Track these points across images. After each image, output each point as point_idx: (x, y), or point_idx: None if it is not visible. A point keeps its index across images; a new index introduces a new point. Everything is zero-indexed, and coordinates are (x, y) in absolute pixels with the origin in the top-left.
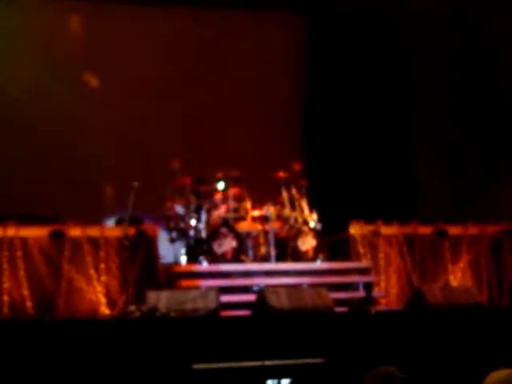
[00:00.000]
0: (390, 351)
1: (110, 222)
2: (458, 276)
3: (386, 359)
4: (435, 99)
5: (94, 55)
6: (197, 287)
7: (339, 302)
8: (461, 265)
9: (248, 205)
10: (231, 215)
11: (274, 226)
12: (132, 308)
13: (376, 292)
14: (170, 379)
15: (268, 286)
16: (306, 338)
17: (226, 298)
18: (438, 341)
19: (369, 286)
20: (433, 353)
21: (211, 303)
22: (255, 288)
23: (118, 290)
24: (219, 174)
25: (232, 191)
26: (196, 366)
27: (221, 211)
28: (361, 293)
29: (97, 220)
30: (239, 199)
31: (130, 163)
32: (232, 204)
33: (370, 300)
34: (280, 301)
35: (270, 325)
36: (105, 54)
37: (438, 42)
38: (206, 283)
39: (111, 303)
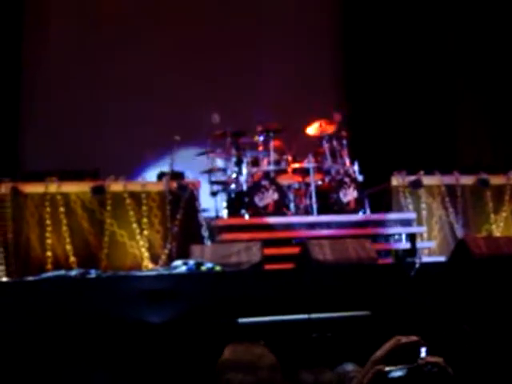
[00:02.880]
0: (436, 303)
1: (152, 177)
2: (500, 226)
3: (431, 312)
4: (478, 53)
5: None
6: (239, 241)
7: (383, 254)
8: (503, 214)
9: (289, 157)
10: (272, 168)
11: (315, 178)
12: (178, 262)
13: (421, 243)
14: (216, 334)
15: (311, 239)
16: (350, 290)
17: (268, 251)
18: (483, 291)
19: (412, 237)
20: (480, 303)
21: (255, 256)
22: (298, 240)
23: (161, 244)
24: (259, 127)
25: (273, 143)
26: (241, 320)
27: (262, 164)
28: (404, 244)
29: (138, 174)
30: (280, 152)
31: (170, 117)
32: (273, 156)
33: (414, 251)
34: (323, 253)
35: (313, 277)
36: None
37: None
38: (247, 236)
39: (154, 257)
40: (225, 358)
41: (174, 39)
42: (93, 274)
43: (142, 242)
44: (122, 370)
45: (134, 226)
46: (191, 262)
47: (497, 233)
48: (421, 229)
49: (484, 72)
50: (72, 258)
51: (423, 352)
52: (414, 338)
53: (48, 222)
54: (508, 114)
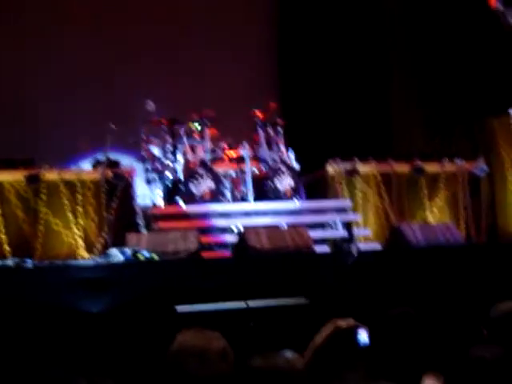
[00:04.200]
0: (372, 290)
1: (86, 165)
2: (435, 213)
3: (368, 298)
4: (412, 38)
5: None
6: (176, 229)
7: (319, 241)
8: (438, 202)
9: (225, 145)
10: (208, 156)
11: (251, 166)
12: (114, 251)
13: (356, 230)
14: (154, 322)
15: (248, 227)
16: (288, 278)
17: (205, 239)
18: (418, 278)
19: (348, 225)
20: (415, 290)
21: (192, 244)
22: (234, 229)
23: (96, 233)
24: (194, 114)
25: (208, 131)
26: (180, 309)
27: (197, 152)
28: (340, 232)
29: (73, 163)
30: (215, 139)
31: (105, 105)
32: (208, 145)
33: (351, 239)
34: (260, 241)
35: (251, 265)
36: None
37: None
38: (184, 225)
39: (89, 246)
40: (177, 344)
41: (109, 29)
42: (29, 263)
43: (77, 231)
44: (59, 360)
45: (69, 214)
46: (128, 251)
47: (432, 220)
48: (356, 216)
49: (418, 60)
50: (6, 247)
51: (364, 335)
52: (352, 321)
53: None
54: (442, 102)
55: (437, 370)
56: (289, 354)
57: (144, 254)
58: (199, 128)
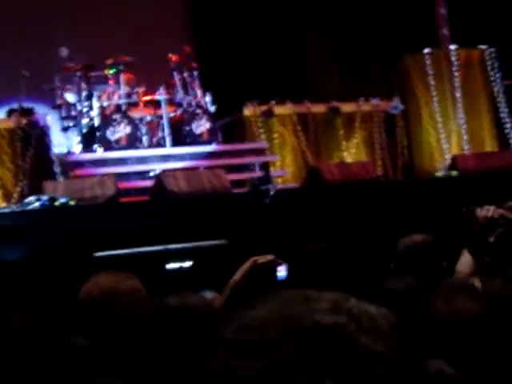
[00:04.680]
0: (290, 228)
1: (1, 113)
2: (352, 152)
3: (287, 236)
4: None
5: None
6: (93, 176)
7: (237, 183)
8: (354, 141)
9: (140, 90)
10: (124, 101)
11: (167, 110)
12: (31, 199)
13: (275, 171)
14: (72, 268)
15: (165, 171)
16: (206, 220)
17: (123, 185)
18: (336, 216)
19: (265, 166)
20: (333, 227)
21: (109, 190)
22: (152, 173)
23: (13, 182)
24: (109, 60)
25: (123, 77)
26: (97, 254)
27: (113, 98)
28: (257, 173)
29: None
30: (131, 84)
31: (18, 53)
32: (124, 90)
33: (268, 179)
34: (178, 184)
35: (169, 209)
36: None
37: None
38: (101, 171)
39: (6, 196)
40: (88, 284)
41: None
42: None
43: None
44: None
45: None
46: (44, 198)
47: (348, 159)
48: (273, 157)
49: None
50: None
51: (282, 270)
52: (270, 257)
53: None
54: (356, 42)
55: None
56: (208, 293)
57: (61, 201)
58: (114, 73)
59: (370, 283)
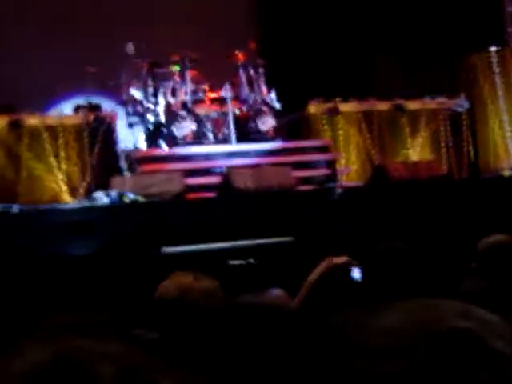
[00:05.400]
0: (357, 226)
1: (67, 109)
2: (417, 150)
3: (355, 234)
4: None
5: None
6: (158, 171)
7: (302, 180)
8: (419, 139)
9: (206, 87)
10: (189, 98)
11: (232, 107)
12: (99, 194)
13: (339, 168)
14: (141, 263)
15: (232, 168)
16: (273, 217)
17: (189, 181)
18: (403, 213)
19: (331, 164)
20: (401, 225)
21: (176, 186)
22: (218, 170)
23: (79, 178)
24: (175, 57)
25: (189, 73)
26: (165, 250)
27: (179, 94)
28: (322, 170)
29: (53, 108)
30: (197, 81)
31: (84, 49)
32: (190, 86)
33: (333, 177)
34: (244, 181)
35: (236, 206)
36: None
37: None
38: (167, 167)
39: (72, 191)
40: (165, 283)
41: None
42: (15, 208)
43: (60, 176)
44: (48, 304)
45: (52, 159)
46: (113, 194)
47: (414, 157)
48: (338, 155)
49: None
50: None
51: (356, 272)
52: (345, 258)
53: None
54: (422, 40)
55: None
56: (277, 291)
57: (129, 197)
58: (180, 70)
59: (448, 283)
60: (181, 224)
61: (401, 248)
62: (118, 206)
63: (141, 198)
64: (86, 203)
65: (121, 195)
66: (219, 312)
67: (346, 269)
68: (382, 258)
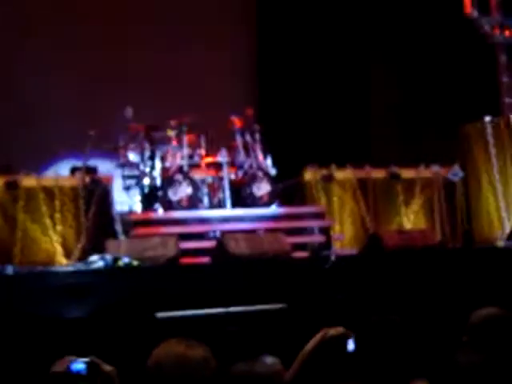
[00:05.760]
0: (350, 295)
1: (64, 170)
2: (411, 219)
3: (346, 303)
4: (389, 46)
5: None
6: (153, 235)
7: (296, 247)
8: (414, 208)
9: (202, 151)
10: (186, 162)
11: (228, 172)
12: (95, 258)
13: (333, 235)
14: (134, 328)
15: (226, 233)
16: (266, 283)
17: (184, 245)
18: (397, 283)
19: (326, 231)
20: (394, 294)
21: (171, 251)
22: (212, 234)
23: (74, 239)
24: (173, 121)
25: (186, 138)
26: (159, 315)
27: (175, 158)
28: (316, 237)
29: (50, 169)
30: (193, 146)
31: (83, 111)
32: (186, 151)
33: (328, 244)
34: (239, 247)
35: (230, 271)
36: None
37: None
38: (162, 231)
39: (67, 252)
40: (157, 352)
41: (88, 33)
42: (10, 270)
43: (55, 237)
44: (40, 367)
45: (47, 221)
46: (108, 257)
47: (408, 225)
48: (332, 222)
49: (395, 67)
50: None
51: (350, 343)
52: (341, 329)
53: None
54: (418, 109)
55: (423, 375)
56: (269, 359)
57: (124, 260)
58: (177, 134)
59: (439, 355)
60: (175, 289)
61: (395, 320)
62: (112, 269)
63: (135, 262)
64: (80, 266)
65: (116, 259)
66: (212, 382)
67: (341, 340)
68: (377, 330)
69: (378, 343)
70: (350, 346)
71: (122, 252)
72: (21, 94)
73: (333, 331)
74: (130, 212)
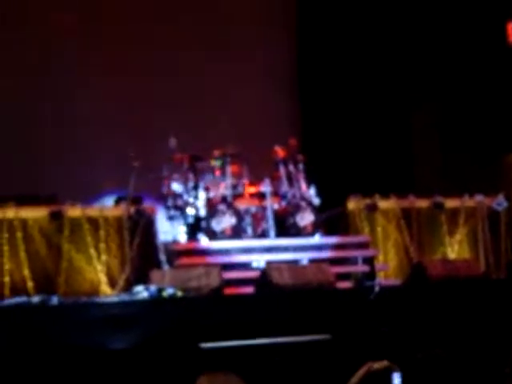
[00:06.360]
0: (395, 327)
1: (109, 202)
2: (455, 249)
3: (391, 335)
4: (432, 76)
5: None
6: (197, 265)
7: (340, 276)
8: (458, 237)
9: (246, 181)
10: (229, 192)
11: (272, 202)
12: (139, 288)
13: (377, 265)
14: (179, 359)
15: (270, 263)
16: (310, 314)
17: (228, 275)
18: (441, 313)
19: (370, 261)
20: (438, 326)
21: (214, 281)
22: (256, 264)
23: (119, 269)
24: (217, 152)
25: (230, 168)
26: (203, 345)
27: (219, 188)
28: (360, 266)
29: (95, 199)
30: (237, 176)
31: (127, 141)
32: (230, 180)
33: (372, 275)
34: (283, 277)
35: (273, 302)
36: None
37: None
38: (206, 261)
39: (112, 282)
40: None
41: (132, 62)
42: (54, 300)
43: (99, 267)
44: None
45: (92, 251)
46: (152, 288)
47: (452, 255)
48: (376, 252)
49: (438, 96)
50: (30, 283)
51: (396, 378)
52: (386, 363)
53: (6, 247)
54: (462, 138)
55: None
56: None
57: (168, 291)
58: (221, 165)
59: None
60: (218, 319)
61: (441, 355)
62: (156, 300)
63: (179, 292)
64: (125, 297)
65: (160, 289)
66: None
67: (386, 374)
68: (423, 365)
69: (423, 380)
70: (396, 380)
71: (166, 282)
72: (67, 125)
73: (377, 365)
74: (174, 242)
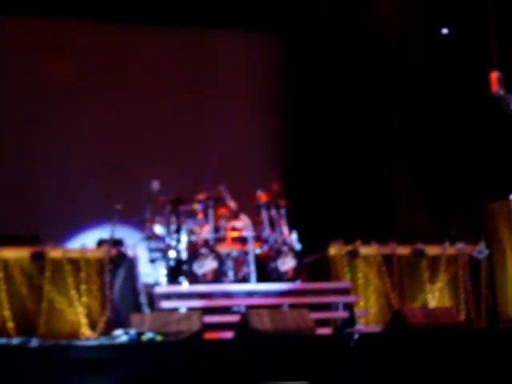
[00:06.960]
0: (373, 373)
1: (90, 242)
2: (435, 296)
3: (371, 382)
4: (414, 122)
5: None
6: (177, 309)
7: (320, 322)
8: (438, 285)
9: (228, 225)
10: (211, 236)
11: (253, 246)
12: (119, 332)
13: (358, 311)
14: None
15: (250, 308)
16: (290, 360)
17: (208, 319)
18: (420, 362)
19: (350, 307)
20: (417, 375)
21: (194, 325)
22: (236, 309)
23: (99, 311)
24: (200, 195)
25: (212, 212)
26: None
27: (201, 232)
28: (340, 312)
29: (77, 240)
30: (219, 220)
31: (110, 184)
32: (212, 224)
33: (352, 322)
34: (263, 323)
35: (252, 347)
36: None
37: (416, 62)
38: (186, 304)
39: (92, 324)
40: None
41: (114, 104)
42: (34, 342)
43: (80, 309)
44: None
45: (73, 292)
46: (132, 332)
47: (432, 303)
48: (356, 298)
49: (420, 143)
50: (10, 324)
51: None
52: None
53: None
54: (443, 185)
55: None
56: None
57: (147, 335)
58: (203, 208)
59: None
60: (198, 364)
61: None
62: (136, 344)
63: (159, 337)
64: (104, 340)
65: (139, 334)
66: None
67: None
68: None
69: None
70: None
71: (146, 327)
72: (47, 168)
73: None
74: (156, 285)
